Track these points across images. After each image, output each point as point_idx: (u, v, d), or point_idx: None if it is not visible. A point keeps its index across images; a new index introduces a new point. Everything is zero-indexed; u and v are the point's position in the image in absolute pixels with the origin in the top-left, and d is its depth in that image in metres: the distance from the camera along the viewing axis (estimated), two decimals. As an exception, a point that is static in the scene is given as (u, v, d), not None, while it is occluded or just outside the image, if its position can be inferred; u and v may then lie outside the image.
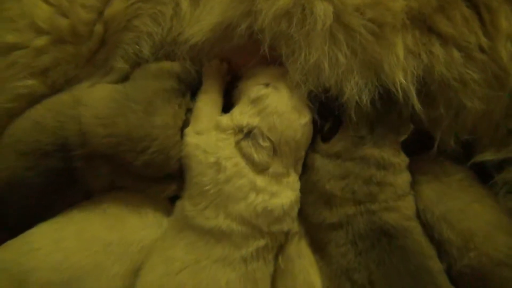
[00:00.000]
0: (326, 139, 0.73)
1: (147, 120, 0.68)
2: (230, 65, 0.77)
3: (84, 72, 0.74)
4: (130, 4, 0.72)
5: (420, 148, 0.75)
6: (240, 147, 0.68)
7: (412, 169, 0.74)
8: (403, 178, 0.71)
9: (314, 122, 0.73)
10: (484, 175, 0.73)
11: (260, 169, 0.68)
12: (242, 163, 0.67)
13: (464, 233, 0.68)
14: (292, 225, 0.70)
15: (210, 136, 0.69)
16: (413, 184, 0.74)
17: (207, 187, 0.67)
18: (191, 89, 0.74)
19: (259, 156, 0.68)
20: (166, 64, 0.74)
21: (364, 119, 0.71)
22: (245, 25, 0.69)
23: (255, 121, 0.69)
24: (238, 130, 0.69)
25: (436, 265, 0.67)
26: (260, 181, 0.67)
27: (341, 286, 0.67)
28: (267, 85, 0.71)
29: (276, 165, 0.69)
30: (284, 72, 0.71)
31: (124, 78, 0.74)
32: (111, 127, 0.66)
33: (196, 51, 0.73)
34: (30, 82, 0.71)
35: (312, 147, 0.74)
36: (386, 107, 0.71)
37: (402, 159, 0.72)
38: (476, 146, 0.73)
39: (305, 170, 0.73)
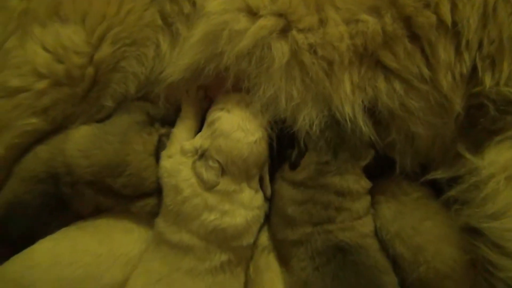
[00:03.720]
0: (293, 166, 0.77)
1: (122, 149, 0.75)
2: (206, 91, 0.83)
3: (79, 110, 0.80)
4: (117, 48, 0.78)
5: (382, 171, 0.79)
6: (194, 167, 0.74)
7: (373, 189, 0.78)
8: (361, 203, 0.76)
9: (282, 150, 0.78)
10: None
11: (208, 186, 0.72)
12: (195, 183, 0.73)
13: (414, 249, 0.72)
14: (252, 239, 0.75)
15: (175, 159, 0.76)
16: (373, 203, 0.78)
17: (170, 207, 0.74)
18: (159, 120, 0.81)
19: (207, 175, 0.73)
20: (139, 102, 0.82)
21: (328, 145, 0.76)
22: (213, 65, 0.76)
23: (207, 143, 0.74)
24: (195, 152, 0.75)
25: (389, 279, 0.71)
26: (211, 199, 0.72)
27: (300, 296, 0.71)
28: (222, 109, 0.77)
29: (226, 182, 0.73)
30: (241, 97, 0.77)
31: (109, 116, 0.81)
32: (91, 158, 0.75)
33: (172, 89, 0.80)
34: (33, 120, 0.77)
35: (281, 173, 0.80)
36: (346, 135, 0.75)
37: (362, 185, 0.76)
38: (429, 166, 0.77)
39: (274, 194, 0.79)
